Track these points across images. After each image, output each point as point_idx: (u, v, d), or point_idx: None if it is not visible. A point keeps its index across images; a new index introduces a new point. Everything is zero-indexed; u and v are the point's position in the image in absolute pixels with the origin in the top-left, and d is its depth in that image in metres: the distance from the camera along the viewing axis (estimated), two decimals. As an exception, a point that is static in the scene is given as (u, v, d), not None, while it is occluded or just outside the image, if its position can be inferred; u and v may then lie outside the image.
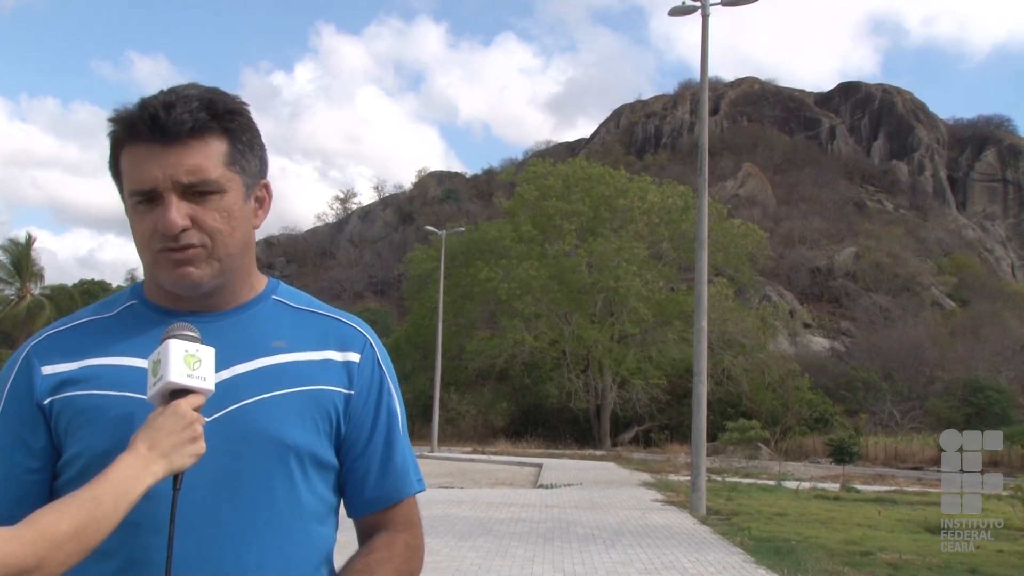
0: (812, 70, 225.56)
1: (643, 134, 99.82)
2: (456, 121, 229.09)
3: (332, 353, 1.34)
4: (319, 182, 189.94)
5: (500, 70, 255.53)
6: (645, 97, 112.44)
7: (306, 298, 1.43)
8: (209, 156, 1.25)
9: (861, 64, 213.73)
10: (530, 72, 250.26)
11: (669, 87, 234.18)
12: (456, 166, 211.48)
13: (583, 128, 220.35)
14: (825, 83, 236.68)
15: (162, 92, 1.27)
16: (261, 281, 1.40)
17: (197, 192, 1.24)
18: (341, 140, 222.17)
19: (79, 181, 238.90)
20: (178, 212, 1.22)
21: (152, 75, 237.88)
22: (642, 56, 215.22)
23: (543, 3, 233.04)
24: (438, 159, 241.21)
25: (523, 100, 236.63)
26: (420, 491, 1.42)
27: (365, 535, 1.40)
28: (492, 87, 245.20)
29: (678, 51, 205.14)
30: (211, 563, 1.20)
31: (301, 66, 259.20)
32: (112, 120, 1.27)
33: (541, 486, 19.24)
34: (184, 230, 1.23)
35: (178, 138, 1.23)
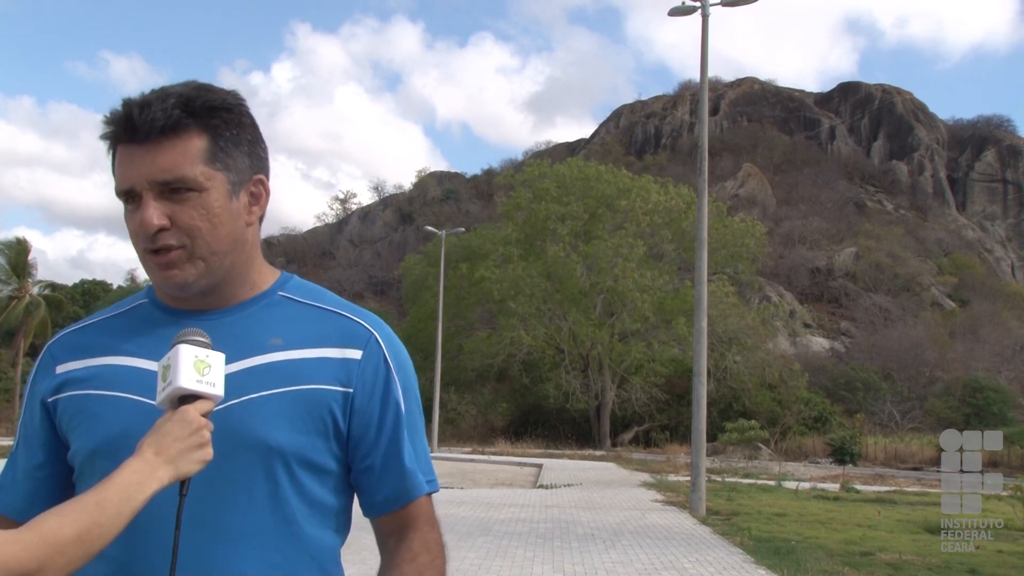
0: (794, 70, 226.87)
1: (643, 134, 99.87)
2: (435, 122, 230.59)
3: (330, 350, 1.30)
4: (303, 181, 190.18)
5: (477, 70, 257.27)
6: (644, 98, 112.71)
7: (317, 293, 1.40)
8: (186, 154, 1.23)
9: (838, 64, 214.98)
10: (507, 72, 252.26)
11: (651, 85, 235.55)
12: (442, 164, 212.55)
13: (563, 127, 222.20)
14: (804, 83, 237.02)
15: (150, 91, 1.26)
16: (268, 277, 1.37)
17: (174, 191, 1.23)
18: (322, 139, 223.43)
19: (67, 181, 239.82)
20: (154, 212, 1.22)
21: (128, 74, 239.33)
22: (620, 56, 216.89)
23: (518, 3, 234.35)
24: (423, 157, 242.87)
25: (502, 100, 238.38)
26: (431, 492, 1.38)
27: (381, 535, 1.37)
28: (470, 87, 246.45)
29: (657, 51, 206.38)
30: (194, 565, 1.19)
31: (278, 65, 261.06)
32: (102, 122, 1.27)
33: (541, 486, 19.24)
34: (161, 230, 1.22)
35: (150, 137, 1.22)
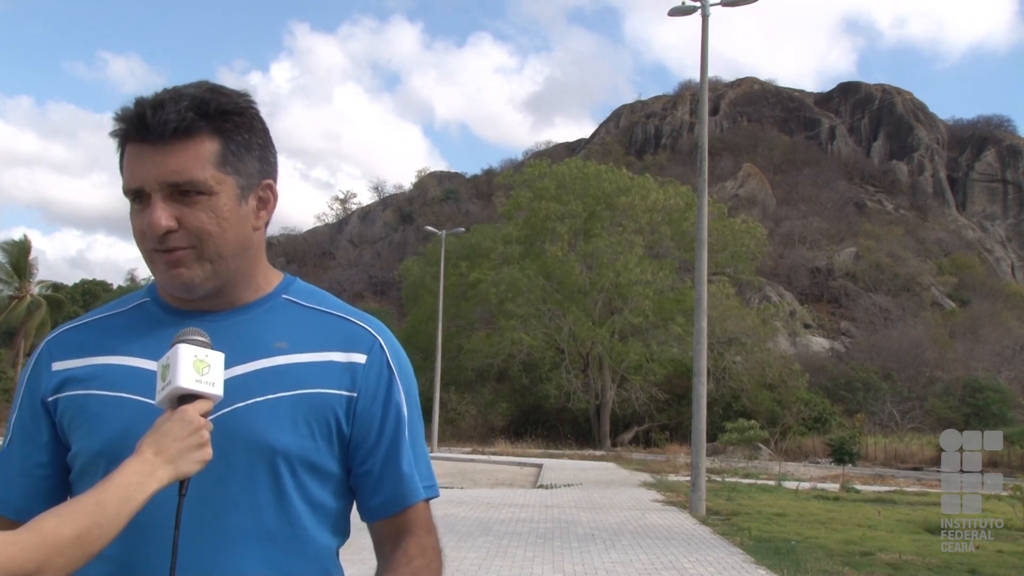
0: (793, 70, 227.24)
1: (643, 134, 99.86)
2: (433, 122, 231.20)
3: (335, 354, 1.31)
4: (302, 181, 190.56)
5: (476, 70, 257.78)
6: (644, 98, 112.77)
7: (321, 296, 1.39)
8: (197, 157, 1.22)
9: (837, 64, 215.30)
10: (506, 72, 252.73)
11: (650, 85, 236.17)
12: (441, 164, 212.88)
13: (562, 127, 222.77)
14: (803, 83, 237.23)
15: (163, 90, 1.26)
16: (272, 280, 1.37)
17: (183, 193, 1.22)
18: (321, 139, 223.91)
19: (66, 181, 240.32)
20: (163, 213, 1.21)
21: (127, 74, 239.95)
22: (618, 56, 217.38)
23: (516, 3, 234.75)
24: (422, 158, 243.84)
25: (500, 100, 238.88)
26: (430, 497, 1.38)
27: (378, 540, 1.37)
28: (469, 87, 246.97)
29: (655, 51, 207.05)
30: (195, 566, 1.19)
31: (277, 65, 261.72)
32: (113, 119, 1.27)
33: (541, 486, 19.24)
34: (169, 232, 1.22)
35: (163, 138, 1.21)
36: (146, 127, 1.21)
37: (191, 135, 1.22)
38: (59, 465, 1.31)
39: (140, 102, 1.23)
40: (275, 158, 1.36)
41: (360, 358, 1.32)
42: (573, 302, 41.12)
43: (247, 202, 1.29)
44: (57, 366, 1.30)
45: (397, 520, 1.35)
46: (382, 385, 1.33)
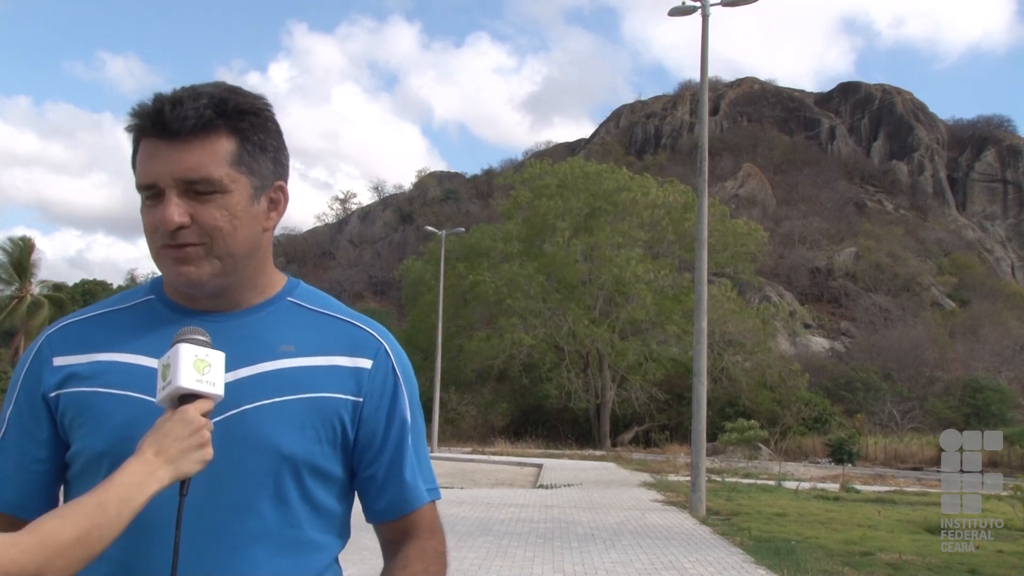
0: (792, 70, 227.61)
1: (643, 134, 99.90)
2: (432, 122, 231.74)
3: (341, 359, 1.31)
4: (301, 181, 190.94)
5: (474, 70, 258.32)
6: (644, 98, 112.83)
7: (325, 300, 1.39)
8: (213, 155, 1.22)
9: (836, 64, 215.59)
10: (504, 72, 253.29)
11: (648, 86, 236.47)
12: (440, 164, 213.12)
13: (560, 127, 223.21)
14: (802, 83, 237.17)
15: (181, 88, 1.26)
16: (276, 283, 1.37)
17: (198, 191, 1.22)
18: (320, 139, 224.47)
19: (65, 181, 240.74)
20: (176, 209, 1.21)
21: (125, 74, 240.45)
22: (617, 56, 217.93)
23: (515, 3, 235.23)
24: (421, 157, 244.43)
25: (499, 100, 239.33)
26: (433, 500, 1.39)
27: (383, 541, 1.38)
28: (467, 87, 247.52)
29: (654, 51, 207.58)
30: (198, 567, 1.19)
31: (275, 65, 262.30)
32: (129, 115, 1.26)
33: (541, 486, 19.24)
34: (181, 227, 1.21)
35: (180, 135, 1.21)
36: (163, 123, 1.21)
37: (208, 133, 1.23)
38: (57, 461, 1.29)
39: (159, 98, 1.23)
40: (288, 161, 1.36)
41: (366, 363, 1.32)
42: (573, 299, 41.14)
43: (259, 202, 1.29)
44: (59, 361, 1.29)
45: (400, 523, 1.36)
46: (387, 390, 1.33)
